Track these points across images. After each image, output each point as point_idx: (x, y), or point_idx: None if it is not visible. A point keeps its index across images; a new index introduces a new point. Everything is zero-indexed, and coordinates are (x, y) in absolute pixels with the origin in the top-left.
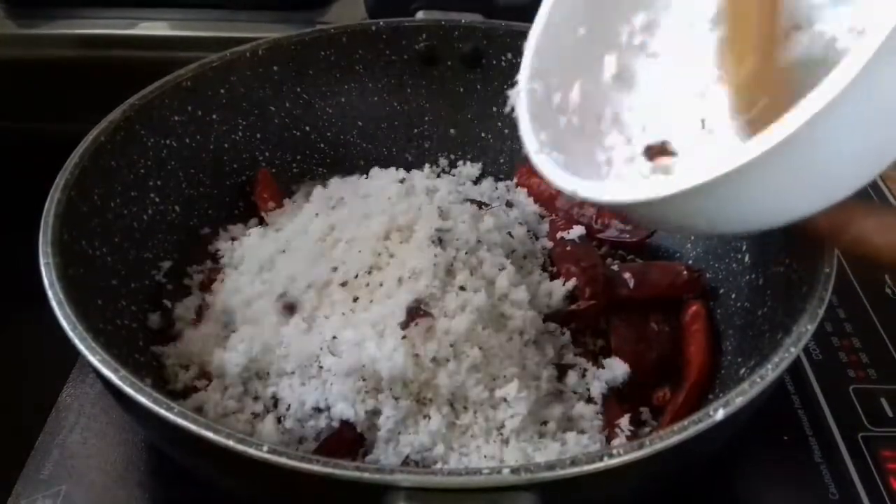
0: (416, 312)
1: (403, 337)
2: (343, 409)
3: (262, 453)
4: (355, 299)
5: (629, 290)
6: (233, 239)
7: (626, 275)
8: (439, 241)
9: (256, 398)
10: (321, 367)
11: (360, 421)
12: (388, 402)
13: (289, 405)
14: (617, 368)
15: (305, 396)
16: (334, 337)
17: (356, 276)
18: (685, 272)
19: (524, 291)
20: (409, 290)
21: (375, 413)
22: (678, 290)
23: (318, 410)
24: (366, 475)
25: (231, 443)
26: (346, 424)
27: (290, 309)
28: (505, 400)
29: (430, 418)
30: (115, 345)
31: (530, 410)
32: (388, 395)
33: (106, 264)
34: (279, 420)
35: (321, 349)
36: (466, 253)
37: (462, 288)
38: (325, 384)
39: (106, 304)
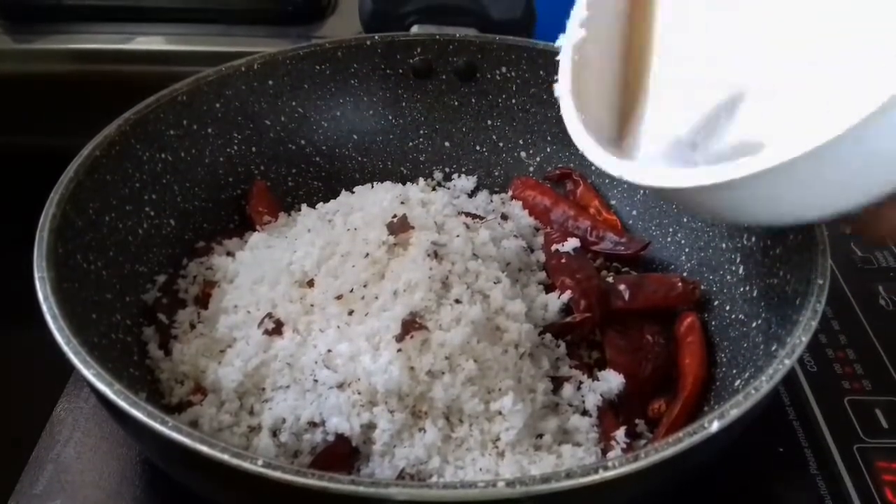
0: (412, 325)
1: (399, 350)
2: (338, 423)
3: (257, 467)
4: (350, 312)
5: (624, 302)
6: (228, 253)
7: (622, 287)
8: (435, 254)
9: (252, 412)
10: (316, 381)
11: (355, 435)
12: (383, 416)
13: (284, 419)
14: (612, 380)
15: (300, 410)
16: (329, 350)
17: (351, 290)
18: (680, 284)
19: (520, 304)
20: (404, 303)
21: (370, 426)
22: (673, 301)
23: (313, 424)
24: (361, 489)
25: (226, 457)
26: (340, 438)
27: (277, 329)
28: (500, 413)
29: (425, 431)
30: (109, 359)
31: (526, 423)
32: (384, 408)
33: (101, 278)
34: (274, 434)
35: (316, 363)
36: (462, 266)
37: (457, 301)
38: (320, 398)
39: (101, 319)
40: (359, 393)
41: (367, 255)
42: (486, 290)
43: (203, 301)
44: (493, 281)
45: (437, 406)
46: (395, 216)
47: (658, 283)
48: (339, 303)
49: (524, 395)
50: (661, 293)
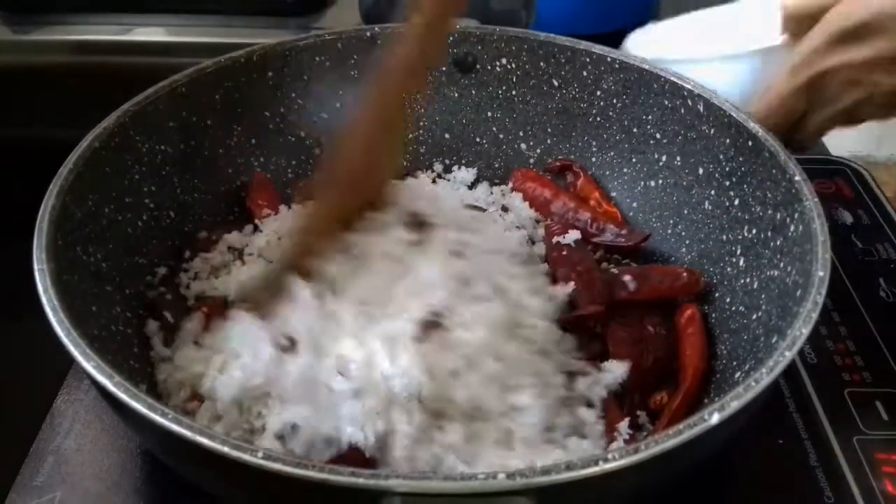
0: (431, 326)
1: (417, 350)
2: (352, 433)
3: (257, 459)
4: (366, 314)
5: (629, 293)
6: (229, 248)
7: (626, 277)
8: (454, 252)
9: (256, 417)
10: (330, 390)
11: (369, 446)
12: (401, 420)
13: (293, 426)
14: (616, 370)
15: (313, 420)
16: (344, 355)
17: (368, 291)
18: (685, 274)
19: (538, 299)
20: (422, 302)
21: (387, 433)
22: (678, 292)
23: (327, 440)
24: (360, 480)
25: (226, 449)
26: (353, 449)
27: (289, 346)
28: (518, 409)
29: (445, 432)
30: (109, 351)
31: (542, 418)
32: (402, 411)
33: (100, 270)
34: (280, 437)
35: (330, 368)
36: (481, 262)
37: (477, 298)
38: (335, 407)
39: (100, 311)
40: (376, 399)
41: (385, 254)
42: (504, 286)
43: (206, 322)
44: (512, 276)
45: (456, 406)
46: (411, 214)
47: (663, 273)
48: (354, 305)
49: (542, 390)
50: (666, 283)
